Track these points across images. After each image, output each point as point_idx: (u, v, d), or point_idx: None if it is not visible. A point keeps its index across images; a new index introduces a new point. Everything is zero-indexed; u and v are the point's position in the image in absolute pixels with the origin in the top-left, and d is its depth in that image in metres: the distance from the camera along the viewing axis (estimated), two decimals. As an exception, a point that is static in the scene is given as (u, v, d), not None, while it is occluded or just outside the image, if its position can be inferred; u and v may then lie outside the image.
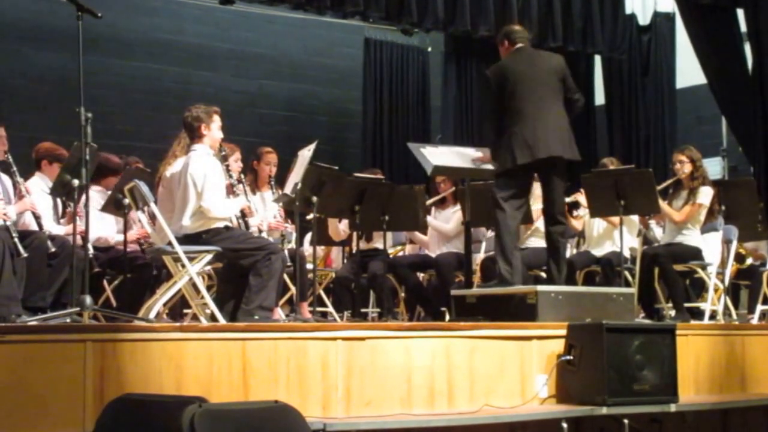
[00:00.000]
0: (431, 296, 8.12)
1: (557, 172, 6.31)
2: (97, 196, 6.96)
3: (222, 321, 5.84)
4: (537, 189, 6.79)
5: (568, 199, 7.96)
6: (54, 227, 6.68)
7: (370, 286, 8.29)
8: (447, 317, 7.31)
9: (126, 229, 6.81)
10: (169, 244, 5.92)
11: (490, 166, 6.60)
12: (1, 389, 4.08)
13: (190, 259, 5.95)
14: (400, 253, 8.99)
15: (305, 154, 6.58)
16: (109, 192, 7.24)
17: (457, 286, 7.48)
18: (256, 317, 5.84)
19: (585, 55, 12.02)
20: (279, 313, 6.71)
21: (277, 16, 12.01)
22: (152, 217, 6.38)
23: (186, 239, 6.02)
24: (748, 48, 11.01)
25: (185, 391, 4.40)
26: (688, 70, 11.84)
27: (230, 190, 6.58)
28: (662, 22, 12.31)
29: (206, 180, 6.05)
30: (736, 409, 6.19)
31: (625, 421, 5.32)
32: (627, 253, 7.64)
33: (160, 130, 9.84)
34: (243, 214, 6.73)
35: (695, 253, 7.58)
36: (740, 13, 11.12)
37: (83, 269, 5.26)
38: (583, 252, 8.21)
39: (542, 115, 6.18)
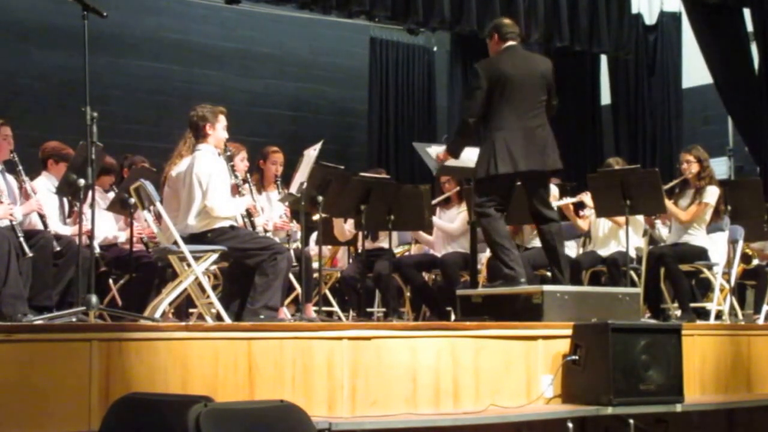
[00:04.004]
0: (437, 296, 8.11)
1: (539, 181, 6.23)
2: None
3: (227, 320, 5.85)
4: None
5: (573, 200, 7.97)
6: (60, 227, 6.68)
7: (376, 286, 8.29)
8: (452, 317, 7.31)
9: (132, 227, 6.82)
10: (175, 243, 5.93)
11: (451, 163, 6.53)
12: (7, 388, 4.09)
13: (196, 259, 5.95)
14: (406, 254, 8.98)
15: (311, 153, 6.57)
16: (103, 191, 7.26)
17: (463, 285, 7.47)
18: (262, 317, 5.84)
19: (591, 55, 12.01)
20: (284, 312, 6.72)
21: (282, 15, 12.02)
22: (158, 217, 6.38)
23: (191, 239, 6.03)
24: (754, 48, 11.01)
25: (191, 390, 4.41)
26: (695, 70, 11.83)
27: (235, 190, 6.59)
28: (668, 21, 12.29)
29: (211, 179, 6.06)
30: (742, 409, 6.19)
31: (631, 421, 5.31)
32: (633, 253, 7.62)
33: (165, 129, 9.88)
34: (249, 214, 6.73)
35: (701, 253, 7.56)
36: (747, 12, 11.12)
37: (89, 268, 5.27)
38: (588, 252, 8.20)
39: (527, 126, 6.09)
